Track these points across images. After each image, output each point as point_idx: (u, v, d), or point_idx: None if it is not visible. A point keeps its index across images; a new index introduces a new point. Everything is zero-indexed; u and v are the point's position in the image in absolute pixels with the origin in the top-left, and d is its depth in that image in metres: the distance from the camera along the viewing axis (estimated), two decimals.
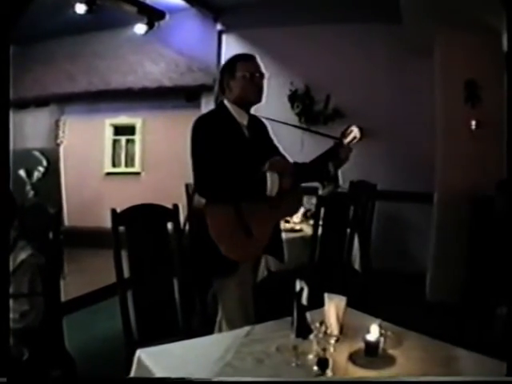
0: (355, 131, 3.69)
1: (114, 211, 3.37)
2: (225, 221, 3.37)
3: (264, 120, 3.87)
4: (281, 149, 3.90)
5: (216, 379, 2.21)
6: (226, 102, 3.64)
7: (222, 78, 3.66)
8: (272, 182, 3.40)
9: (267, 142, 3.86)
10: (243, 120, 3.62)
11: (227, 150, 3.41)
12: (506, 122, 3.05)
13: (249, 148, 3.57)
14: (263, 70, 3.64)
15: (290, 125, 4.18)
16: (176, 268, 3.60)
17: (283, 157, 3.74)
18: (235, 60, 3.65)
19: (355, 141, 3.70)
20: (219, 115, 3.61)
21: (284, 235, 5.08)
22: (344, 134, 3.68)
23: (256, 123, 3.76)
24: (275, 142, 3.92)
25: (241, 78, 3.54)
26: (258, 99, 3.60)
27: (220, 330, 3.53)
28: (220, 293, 3.59)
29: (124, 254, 3.37)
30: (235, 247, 3.39)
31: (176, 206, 3.65)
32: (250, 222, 3.39)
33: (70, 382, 3.38)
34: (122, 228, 3.40)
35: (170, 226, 3.63)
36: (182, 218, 3.71)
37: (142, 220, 3.49)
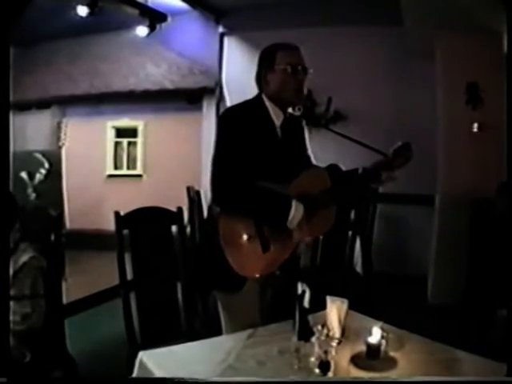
0: (412, 151, 3.21)
1: (117, 214, 3.37)
2: (242, 231, 2.93)
3: (303, 122, 3.41)
4: (312, 158, 3.46)
5: (213, 379, 2.22)
6: (263, 95, 3.15)
7: (259, 68, 3.18)
8: (295, 213, 2.93)
9: (300, 147, 3.38)
10: (278, 120, 3.14)
11: (255, 152, 2.98)
12: (506, 123, 3.05)
13: (279, 151, 3.11)
14: (306, 64, 3.18)
15: (341, 134, 3.51)
16: (179, 271, 3.60)
17: (319, 173, 3.22)
18: (275, 49, 3.17)
19: (408, 162, 3.22)
20: (253, 109, 3.12)
21: None
22: (397, 153, 3.18)
23: (292, 125, 3.25)
24: (309, 150, 3.45)
25: (281, 71, 3.07)
26: (299, 99, 3.17)
27: None
28: (223, 308, 3.17)
29: (126, 256, 3.37)
30: (248, 262, 2.95)
31: (180, 209, 3.65)
32: (270, 235, 2.96)
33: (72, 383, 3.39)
34: (124, 230, 3.40)
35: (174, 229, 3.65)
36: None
37: (146, 223, 3.49)
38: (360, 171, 3.16)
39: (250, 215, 2.94)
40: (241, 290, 3.00)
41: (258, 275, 3.00)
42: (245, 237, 2.94)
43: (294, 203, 2.93)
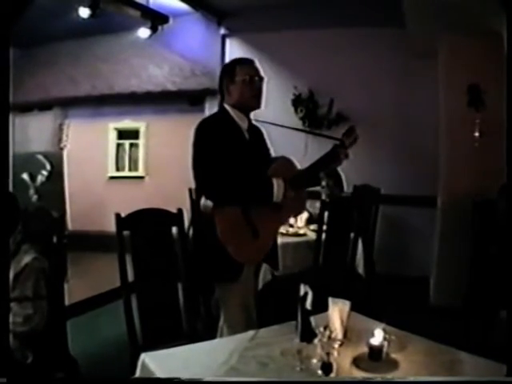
0: (357, 132, 3.71)
1: (118, 216, 3.38)
2: (233, 222, 3.36)
3: (262, 127, 3.88)
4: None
5: (215, 379, 2.22)
6: (226, 105, 3.64)
7: (221, 82, 3.68)
8: (278, 188, 3.42)
9: (265, 147, 3.88)
10: (244, 124, 3.63)
11: (230, 153, 3.40)
12: (506, 125, 3.06)
13: (249, 151, 3.59)
14: (262, 73, 3.65)
15: (288, 127, 4.15)
16: (180, 272, 3.60)
17: (288, 160, 3.74)
18: (234, 64, 3.66)
19: (356, 142, 3.71)
20: (221, 119, 3.61)
21: (288, 240, 5.11)
22: (345, 134, 3.69)
23: (255, 129, 3.78)
24: (271, 150, 3.94)
25: (240, 82, 3.55)
26: (258, 104, 3.62)
27: (222, 335, 3.52)
28: (222, 298, 3.58)
29: (128, 258, 3.37)
30: (243, 249, 3.39)
31: (180, 211, 3.66)
32: (257, 223, 3.41)
33: None
34: (125, 232, 3.40)
35: (174, 230, 3.65)
36: (186, 223, 3.72)
37: (146, 224, 3.50)
38: None
39: (240, 204, 3.39)
40: (239, 279, 3.42)
41: (251, 259, 3.51)
42: (237, 226, 3.38)
43: (274, 180, 3.45)
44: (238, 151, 3.49)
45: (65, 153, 10.52)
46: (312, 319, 2.58)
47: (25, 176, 9.82)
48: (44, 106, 10.71)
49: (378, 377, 2.26)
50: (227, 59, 8.95)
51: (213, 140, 3.42)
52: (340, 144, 3.66)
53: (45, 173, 9.97)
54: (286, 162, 3.72)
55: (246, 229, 3.39)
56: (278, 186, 3.43)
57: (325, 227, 4.98)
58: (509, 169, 3.15)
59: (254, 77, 3.58)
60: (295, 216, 5.18)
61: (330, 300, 2.67)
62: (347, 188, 4.79)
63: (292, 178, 3.53)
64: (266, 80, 3.67)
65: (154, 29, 8.47)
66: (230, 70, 3.64)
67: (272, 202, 3.43)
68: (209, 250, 3.49)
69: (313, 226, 5.63)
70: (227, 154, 3.38)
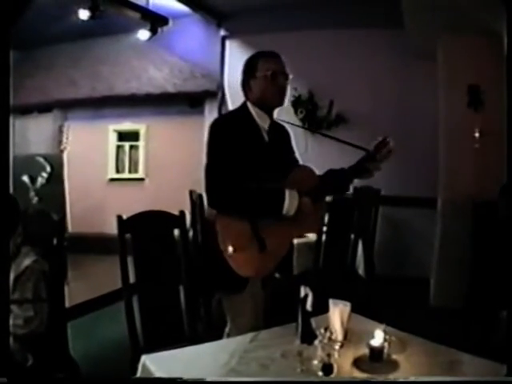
0: (391, 144, 3.35)
1: (120, 218, 3.36)
2: (238, 233, 3.07)
3: (288, 127, 3.60)
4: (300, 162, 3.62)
5: (215, 379, 2.23)
6: (248, 102, 3.36)
7: (243, 76, 3.39)
8: (290, 201, 3.11)
9: (287, 150, 3.57)
10: (264, 124, 3.34)
11: (244, 156, 3.14)
12: (506, 125, 3.06)
13: (267, 154, 3.28)
14: (287, 70, 3.35)
15: (306, 128, 3.97)
16: (182, 274, 3.60)
17: (308, 168, 3.43)
18: (257, 57, 3.38)
19: (390, 155, 3.37)
20: (239, 116, 3.34)
21: None
22: (378, 147, 3.35)
23: (278, 129, 3.48)
24: (296, 154, 3.64)
25: (262, 77, 3.27)
26: (280, 102, 3.34)
27: None
28: (228, 308, 3.33)
29: (129, 260, 3.37)
30: (247, 263, 3.08)
31: (182, 213, 3.65)
32: (266, 235, 3.09)
33: None
34: (127, 234, 3.39)
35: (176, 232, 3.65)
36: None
37: (148, 227, 3.49)
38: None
39: (246, 214, 3.09)
40: (243, 291, 3.14)
41: (255, 274, 3.15)
42: (241, 237, 3.07)
43: (287, 192, 3.11)
44: (253, 155, 3.20)
45: (65, 155, 10.52)
46: (312, 321, 2.59)
47: (25, 178, 9.81)
48: (44, 108, 10.73)
49: (378, 378, 2.26)
50: (227, 61, 8.99)
51: (225, 142, 3.18)
52: (368, 157, 3.36)
53: (45, 175, 9.95)
54: (305, 171, 3.41)
55: (251, 241, 3.06)
56: (290, 198, 3.11)
57: (325, 228, 4.98)
58: (509, 169, 3.15)
59: (278, 73, 3.28)
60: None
61: (331, 301, 2.67)
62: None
63: (311, 190, 3.23)
64: (291, 77, 3.36)
65: (153, 31, 8.50)
66: (252, 63, 3.36)
67: (281, 215, 3.11)
68: (211, 259, 3.23)
69: None
70: (239, 159, 3.12)
